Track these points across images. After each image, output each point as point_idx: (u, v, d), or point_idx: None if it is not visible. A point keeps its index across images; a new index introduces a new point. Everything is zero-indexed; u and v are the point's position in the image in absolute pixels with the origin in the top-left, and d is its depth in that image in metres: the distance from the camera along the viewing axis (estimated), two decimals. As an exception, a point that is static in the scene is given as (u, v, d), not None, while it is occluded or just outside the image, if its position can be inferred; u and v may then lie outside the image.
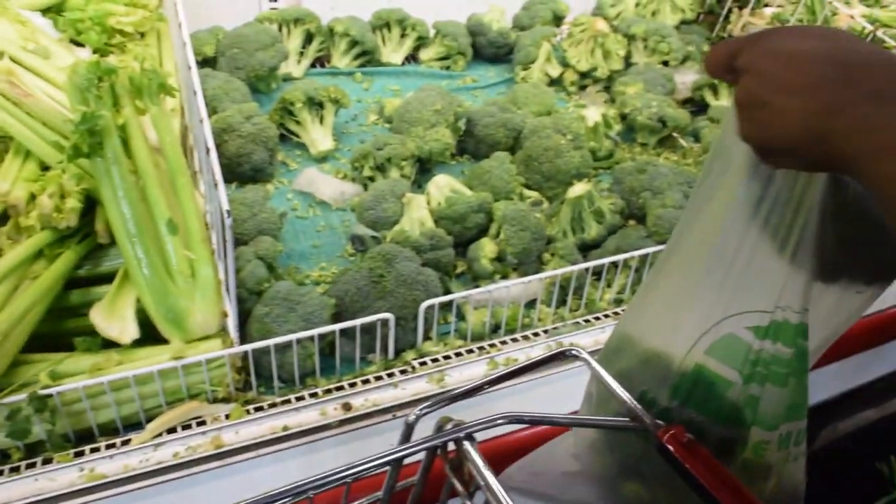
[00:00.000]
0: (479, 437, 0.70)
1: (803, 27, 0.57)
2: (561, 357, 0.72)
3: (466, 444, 0.64)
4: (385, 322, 1.12)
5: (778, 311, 0.65)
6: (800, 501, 0.77)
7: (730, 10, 2.11)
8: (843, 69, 0.49)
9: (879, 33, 1.82)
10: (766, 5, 2.06)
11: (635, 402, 0.67)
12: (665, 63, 1.98)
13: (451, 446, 0.66)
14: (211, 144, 1.04)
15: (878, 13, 2.00)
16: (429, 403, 0.68)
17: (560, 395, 1.06)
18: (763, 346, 0.67)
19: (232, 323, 1.09)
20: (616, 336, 0.79)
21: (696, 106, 1.95)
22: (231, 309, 1.09)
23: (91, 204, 1.19)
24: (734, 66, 0.56)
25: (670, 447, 0.63)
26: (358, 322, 1.10)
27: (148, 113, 1.23)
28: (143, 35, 1.56)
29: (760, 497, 0.73)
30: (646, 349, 0.73)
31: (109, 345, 1.10)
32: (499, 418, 0.62)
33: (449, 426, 0.65)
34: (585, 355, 0.72)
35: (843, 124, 0.48)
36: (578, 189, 1.45)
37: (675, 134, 1.80)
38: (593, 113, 1.72)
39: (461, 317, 1.28)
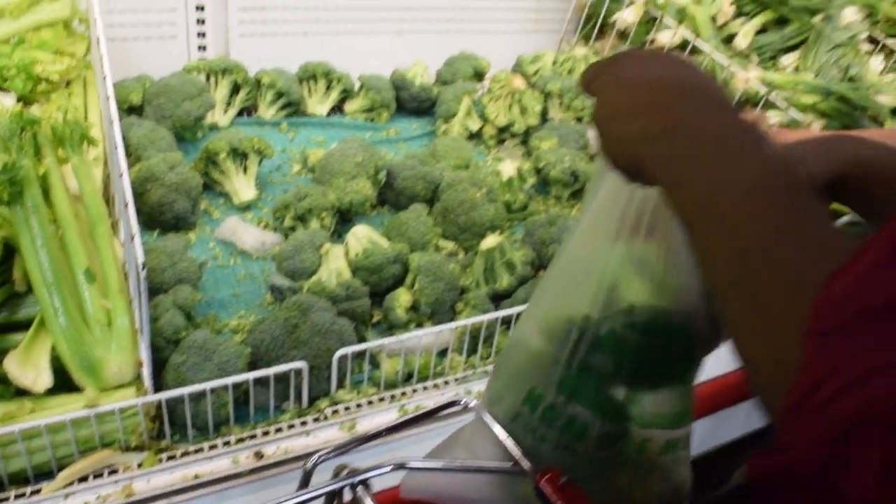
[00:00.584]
0: (382, 484, 0.75)
1: (652, 53, 0.61)
2: (452, 406, 0.78)
3: (360, 491, 0.69)
4: (298, 371, 1.17)
5: None
6: (685, 500, 0.83)
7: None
8: (664, 98, 0.52)
9: (772, 96, 1.97)
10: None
11: (516, 448, 0.73)
12: (579, 119, 2.10)
13: (349, 494, 0.71)
14: (129, 198, 1.07)
15: (773, 76, 2.16)
16: (328, 450, 0.73)
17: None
18: (629, 340, 0.73)
19: (147, 372, 1.12)
20: (509, 341, 0.84)
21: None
22: (146, 358, 1.12)
23: (9, 252, 1.21)
24: (591, 89, 0.60)
25: (546, 490, 0.70)
26: (272, 371, 1.14)
27: (69, 162, 1.27)
28: (69, 83, 1.58)
29: (644, 491, 0.80)
30: (534, 348, 0.78)
31: (23, 393, 1.11)
32: (388, 465, 0.68)
33: (344, 473, 0.70)
34: (473, 403, 0.78)
35: (651, 152, 0.52)
36: (491, 241, 1.53)
37: (586, 187, 1.90)
38: (509, 167, 1.81)
39: (375, 365, 1.33)
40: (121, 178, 1.10)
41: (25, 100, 1.51)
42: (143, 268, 0.96)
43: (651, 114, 0.52)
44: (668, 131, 0.51)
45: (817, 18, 2.42)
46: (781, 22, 2.44)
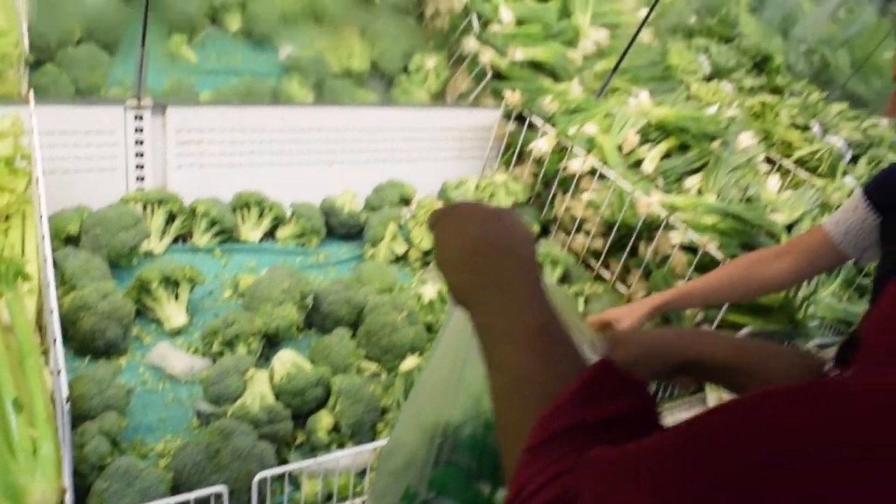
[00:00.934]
0: None
1: (477, 210, 0.72)
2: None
3: None
4: (219, 496, 1.22)
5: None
6: None
7: (554, 195, 2.42)
8: (478, 259, 0.67)
9: (673, 218, 2.14)
10: (584, 191, 2.39)
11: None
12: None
13: None
14: (58, 335, 1.15)
15: (675, 199, 2.35)
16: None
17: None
18: (488, 441, 0.83)
19: (69, 499, 1.17)
20: (389, 443, 0.93)
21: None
22: (69, 485, 1.17)
23: (-62, 385, 1.26)
24: (433, 234, 0.74)
25: None
26: (192, 496, 1.20)
27: (3, 297, 1.34)
28: (8, 217, 1.67)
29: None
30: (409, 449, 0.86)
31: (-56, 525, 1.14)
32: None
33: None
34: None
35: (468, 299, 0.67)
36: (410, 363, 1.63)
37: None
38: (430, 290, 1.92)
39: (297, 486, 1.39)
40: (51, 314, 1.18)
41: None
42: (67, 401, 1.03)
43: (469, 272, 0.67)
44: (477, 289, 0.66)
45: (716, 144, 2.65)
46: (684, 147, 2.67)
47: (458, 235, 0.69)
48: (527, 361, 0.58)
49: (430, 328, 1.86)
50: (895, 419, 0.35)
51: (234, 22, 2.61)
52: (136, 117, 2.01)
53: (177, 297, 1.77)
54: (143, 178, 2.09)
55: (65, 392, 1.04)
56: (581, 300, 2.06)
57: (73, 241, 1.88)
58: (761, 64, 3.54)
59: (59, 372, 1.07)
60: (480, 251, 0.67)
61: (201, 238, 2.04)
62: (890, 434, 0.35)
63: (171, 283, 1.76)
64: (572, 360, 0.58)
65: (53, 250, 1.81)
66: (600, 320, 1.66)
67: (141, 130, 2.03)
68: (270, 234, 2.16)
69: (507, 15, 2.71)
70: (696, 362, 0.85)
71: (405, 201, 2.33)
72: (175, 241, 2.04)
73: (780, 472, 0.36)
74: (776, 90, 3.39)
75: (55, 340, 1.14)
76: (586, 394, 0.52)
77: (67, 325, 1.60)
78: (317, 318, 1.84)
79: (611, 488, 0.42)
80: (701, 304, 1.80)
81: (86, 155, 1.99)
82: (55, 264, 1.76)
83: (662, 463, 0.41)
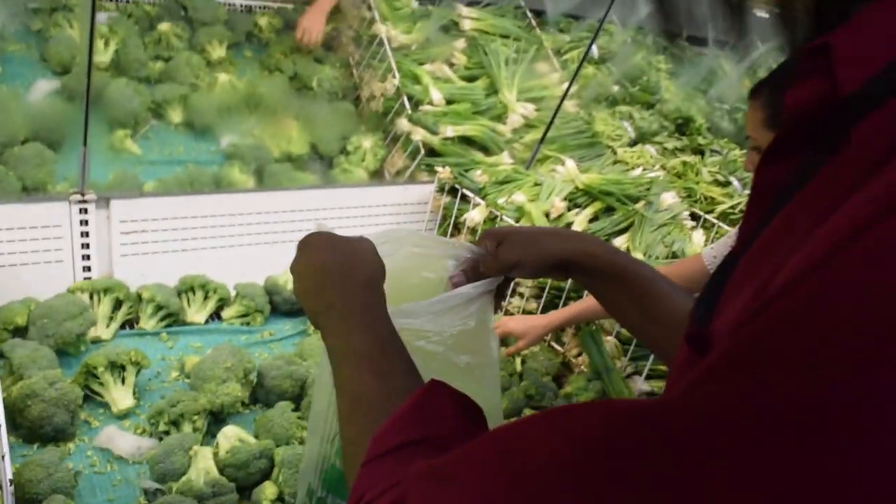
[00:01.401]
0: None
1: (326, 237, 0.79)
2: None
3: None
4: (162, 567, 1.29)
5: None
6: None
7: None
8: (323, 283, 0.74)
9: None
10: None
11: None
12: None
13: None
14: (2, 419, 1.22)
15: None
16: None
17: None
18: None
19: (17, 582, 1.22)
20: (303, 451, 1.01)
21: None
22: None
23: None
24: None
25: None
26: (136, 569, 1.26)
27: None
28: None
29: None
30: (309, 454, 0.94)
31: None
32: None
33: None
34: None
35: (317, 323, 0.74)
36: (350, 429, 1.71)
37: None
38: (371, 359, 2.01)
39: (241, 555, 1.45)
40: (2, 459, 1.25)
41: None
42: (11, 484, 1.10)
43: (317, 297, 0.75)
44: (323, 312, 0.74)
45: (640, 204, 2.82)
46: (610, 210, 2.82)
47: (310, 263, 0.76)
48: (364, 382, 0.66)
49: (370, 396, 1.94)
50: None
51: (176, 115, 2.74)
52: (80, 210, 2.10)
53: (123, 381, 1.84)
54: (89, 268, 2.17)
55: (9, 475, 1.11)
56: (518, 361, 2.17)
57: (20, 332, 1.94)
58: (683, 126, 3.76)
59: (2, 456, 1.14)
60: (328, 277, 0.74)
61: (148, 322, 2.12)
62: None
63: (117, 368, 1.83)
64: (408, 378, 0.66)
65: (1, 341, 1.88)
66: (501, 332, 2.01)
67: (86, 223, 2.12)
68: (216, 315, 2.25)
69: (436, 95, 2.89)
70: (573, 260, 0.91)
71: (346, 276, 2.43)
72: (122, 326, 2.11)
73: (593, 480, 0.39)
74: (697, 150, 3.60)
75: (1, 425, 1.21)
76: (415, 414, 0.59)
77: (15, 413, 1.65)
78: (261, 394, 1.91)
79: (432, 492, 0.48)
80: (600, 317, 2.06)
81: (32, 248, 2.07)
82: (2, 355, 1.83)
83: (486, 462, 0.45)
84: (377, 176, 2.89)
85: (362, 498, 0.54)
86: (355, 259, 0.77)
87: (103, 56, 2.71)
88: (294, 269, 0.78)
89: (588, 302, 2.00)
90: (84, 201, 2.11)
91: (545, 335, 2.12)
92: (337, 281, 0.74)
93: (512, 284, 2.44)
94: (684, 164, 3.22)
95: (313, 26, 3.01)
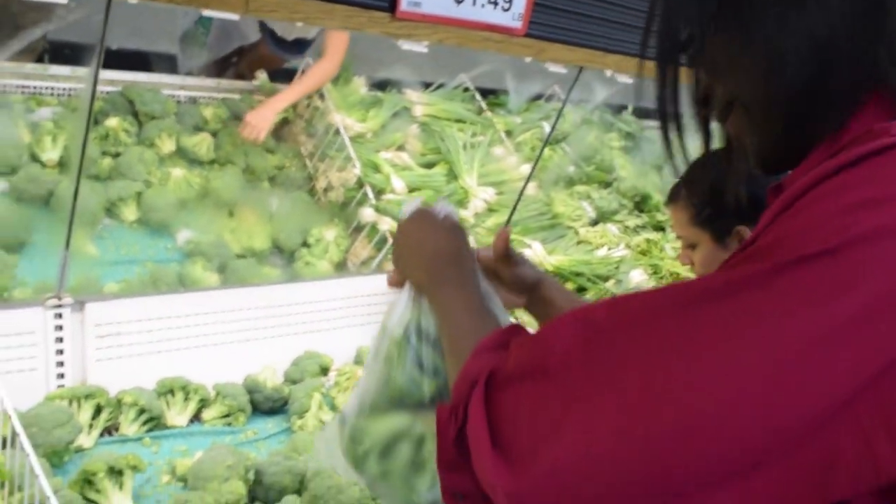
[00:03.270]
0: None
1: (430, 222, 1.19)
2: None
3: None
4: None
5: None
6: None
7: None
8: (432, 264, 1.13)
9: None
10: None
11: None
12: (421, 400, 2.65)
13: None
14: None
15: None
16: None
17: None
18: None
19: None
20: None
21: (452, 434, 2.60)
22: None
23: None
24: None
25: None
26: None
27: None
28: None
29: None
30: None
31: None
32: None
33: None
34: None
35: (426, 290, 1.12)
36: (361, 518, 1.98)
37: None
38: (365, 451, 2.29)
39: None
40: None
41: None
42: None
43: (430, 273, 1.13)
44: (438, 285, 1.11)
45: (610, 283, 3.21)
46: (581, 290, 3.21)
47: (421, 246, 1.16)
48: (473, 323, 1.03)
49: (371, 487, 2.21)
50: None
51: (130, 212, 3.01)
52: (56, 315, 2.35)
53: (121, 487, 2.07)
54: (62, 375, 2.39)
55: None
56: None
57: (2, 443, 2.14)
58: (641, 203, 4.23)
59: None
60: (436, 258, 1.14)
61: (129, 428, 2.34)
62: None
63: (115, 473, 2.06)
64: (497, 323, 1.05)
65: (-10, 455, 2.08)
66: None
67: (61, 328, 2.36)
68: (197, 417, 2.49)
69: (398, 184, 3.26)
70: (545, 281, 1.36)
71: (324, 370, 2.72)
72: (101, 434, 2.34)
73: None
74: (658, 227, 4.06)
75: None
76: (507, 331, 0.95)
77: (21, 524, 1.86)
78: (259, 492, 2.16)
79: (525, 346, 0.85)
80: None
81: (6, 357, 2.29)
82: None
83: (567, 324, 0.82)
84: (340, 268, 3.21)
85: (472, 364, 0.89)
86: (457, 243, 1.16)
87: (50, 153, 2.98)
88: (403, 246, 1.19)
89: None
90: (60, 305, 2.35)
91: None
92: (447, 262, 1.13)
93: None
94: (648, 241, 3.66)
95: (261, 123, 3.34)
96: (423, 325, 1.20)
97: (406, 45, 2.08)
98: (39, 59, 3.37)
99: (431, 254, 1.14)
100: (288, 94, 3.42)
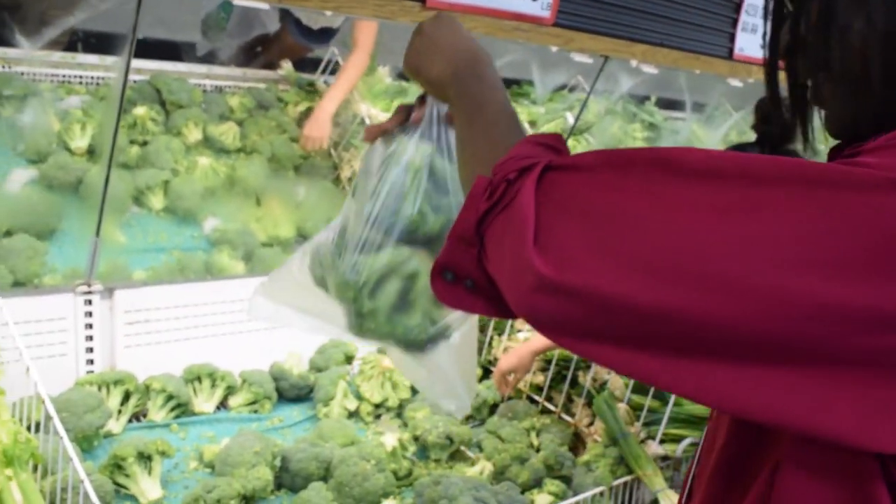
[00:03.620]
0: None
1: (447, 23, 1.13)
2: None
3: None
4: None
5: None
6: None
7: (491, 338, 2.88)
8: (456, 58, 1.06)
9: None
10: (519, 331, 2.85)
11: None
12: (445, 389, 2.66)
13: None
14: None
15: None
16: None
17: None
18: None
19: None
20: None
21: (476, 421, 2.61)
22: None
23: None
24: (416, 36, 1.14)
25: None
26: None
27: (16, 480, 1.65)
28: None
29: None
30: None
31: None
32: None
33: None
34: None
35: (448, 86, 1.06)
36: (386, 506, 1.99)
37: (461, 447, 2.42)
38: (390, 438, 2.30)
39: None
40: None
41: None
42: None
43: (454, 66, 1.06)
44: (462, 79, 1.04)
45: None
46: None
47: (447, 43, 1.09)
48: (511, 118, 0.99)
49: (396, 474, 2.22)
50: None
51: (157, 201, 3.03)
52: (86, 302, 2.37)
53: (150, 472, 2.09)
54: (92, 361, 2.42)
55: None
56: (533, 434, 2.48)
57: (35, 427, 2.17)
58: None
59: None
60: (458, 54, 1.08)
61: (157, 414, 2.37)
62: None
63: (144, 458, 2.08)
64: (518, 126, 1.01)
65: (21, 439, 2.11)
66: (501, 372, 2.51)
67: (90, 314, 2.38)
68: (223, 404, 2.51)
69: (423, 172, 3.25)
70: None
71: (349, 359, 2.73)
72: (130, 420, 2.36)
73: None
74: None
75: None
76: (555, 136, 0.92)
77: (52, 507, 1.89)
78: (286, 478, 2.18)
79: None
80: None
81: (37, 343, 2.32)
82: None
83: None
84: (364, 256, 3.21)
85: (522, 155, 0.85)
86: (472, 43, 1.11)
87: (79, 141, 3.00)
88: (423, 45, 1.12)
89: None
90: (89, 292, 2.38)
91: (534, 359, 2.56)
92: (466, 57, 1.07)
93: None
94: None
95: (320, 132, 3.37)
96: (437, 161, 1.21)
97: (433, 35, 2.09)
98: (68, 49, 3.38)
99: (459, 50, 1.08)
100: (335, 96, 3.42)
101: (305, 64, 3.78)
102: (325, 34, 3.65)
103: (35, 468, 1.85)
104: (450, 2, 1.79)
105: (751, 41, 2.77)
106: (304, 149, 3.40)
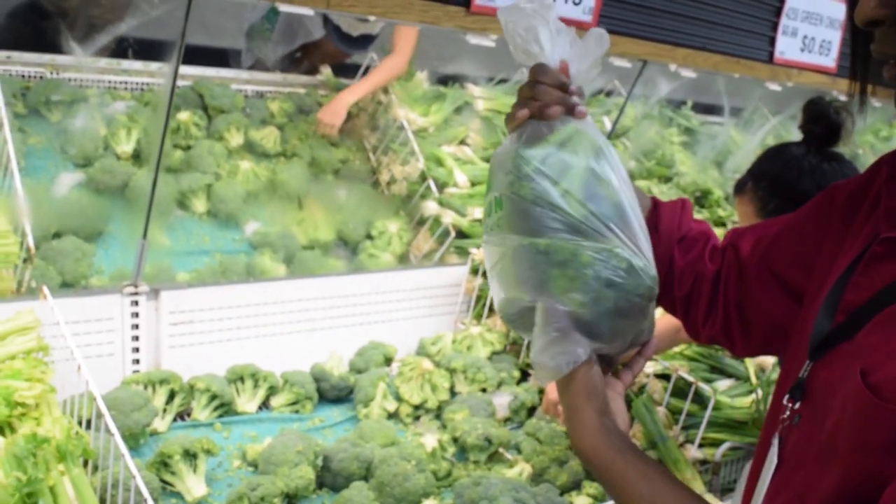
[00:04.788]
0: None
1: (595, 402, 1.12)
2: None
3: None
4: None
5: None
6: None
7: (529, 342, 2.88)
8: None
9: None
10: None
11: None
12: (483, 390, 2.67)
13: None
14: None
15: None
16: None
17: None
18: None
19: None
20: None
21: (515, 423, 2.62)
22: None
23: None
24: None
25: None
26: None
27: (69, 475, 1.69)
28: (37, 405, 2.02)
29: None
30: None
31: None
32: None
33: None
34: None
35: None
36: (427, 506, 2.01)
37: (500, 449, 2.43)
38: (430, 440, 2.32)
39: None
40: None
41: (3, 424, 1.93)
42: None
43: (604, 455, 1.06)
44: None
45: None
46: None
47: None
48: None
49: (436, 475, 2.24)
50: None
51: (200, 204, 3.08)
52: (132, 303, 2.41)
53: (195, 470, 2.12)
54: (138, 361, 2.46)
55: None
56: (571, 437, 2.48)
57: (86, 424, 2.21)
58: (701, 199, 4.19)
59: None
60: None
61: (201, 413, 2.40)
62: None
63: (189, 456, 2.11)
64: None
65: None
66: (550, 403, 2.48)
67: (137, 315, 2.43)
68: (265, 404, 2.54)
69: (461, 178, 3.28)
70: None
71: (388, 361, 2.75)
72: (174, 418, 2.40)
73: None
74: (719, 222, 4.02)
75: None
76: None
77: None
78: (327, 477, 2.20)
79: None
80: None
81: (86, 342, 2.36)
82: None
83: None
84: (403, 260, 3.24)
85: None
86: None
87: (125, 146, 3.06)
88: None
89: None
90: (136, 293, 2.42)
91: None
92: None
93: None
94: (709, 237, 3.62)
95: (333, 119, 3.40)
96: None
97: (474, 40, 2.10)
98: (115, 55, 3.45)
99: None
100: (357, 89, 3.46)
101: (345, 69, 3.82)
102: (365, 40, 3.69)
103: (85, 464, 1.89)
104: (495, 6, 1.80)
105: (791, 45, 2.75)
106: (317, 131, 3.44)
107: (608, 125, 3.96)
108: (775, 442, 0.99)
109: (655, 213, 1.36)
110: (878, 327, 0.89)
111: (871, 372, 0.85)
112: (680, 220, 1.35)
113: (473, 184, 3.34)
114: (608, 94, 4.44)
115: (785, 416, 0.99)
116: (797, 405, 0.97)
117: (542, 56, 1.16)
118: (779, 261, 1.23)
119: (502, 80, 4.03)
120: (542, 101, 1.12)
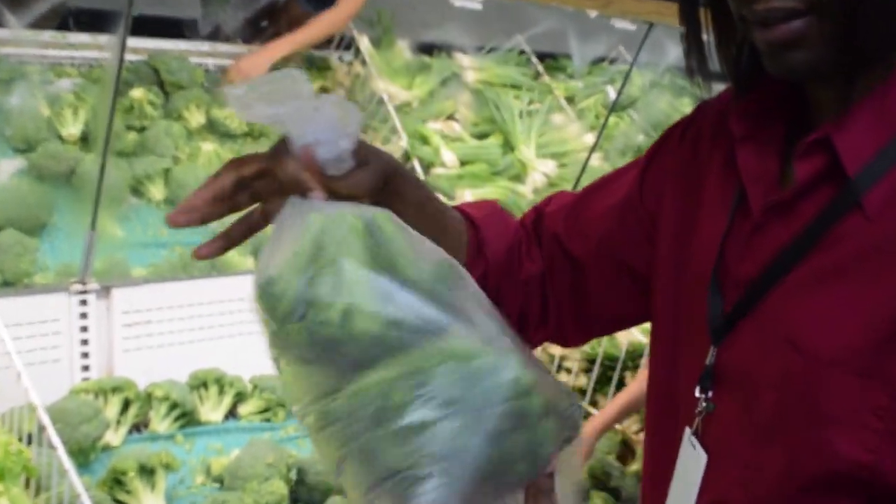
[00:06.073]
0: None
1: None
2: None
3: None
4: None
5: None
6: None
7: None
8: None
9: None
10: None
11: None
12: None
13: None
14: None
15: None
16: None
17: None
18: None
19: None
20: None
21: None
22: None
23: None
24: None
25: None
26: None
27: (6, 496, 1.66)
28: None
29: None
30: None
31: None
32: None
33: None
34: None
35: None
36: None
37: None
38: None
39: None
40: None
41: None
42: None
43: None
44: None
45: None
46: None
47: None
48: None
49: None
50: None
51: (157, 191, 3.04)
52: (80, 302, 2.38)
53: (153, 487, 2.09)
54: (87, 367, 2.43)
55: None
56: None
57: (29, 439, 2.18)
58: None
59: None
60: None
61: (160, 424, 2.37)
62: None
63: (146, 472, 2.08)
64: None
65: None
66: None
67: (86, 316, 2.39)
68: (232, 412, 2.51)
69: (449, 157, 3.25)
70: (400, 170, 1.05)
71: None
72: (130, 430, 2.37)
73: None
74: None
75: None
76: None
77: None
78: (302, 492, 2.17)
79: None
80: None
81: (28, 347, 2.33)
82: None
83: None
84: (386, 249, 3.21)
85: None
86: None
87: (71, 128, 3.02)
88: None
89: (637, 385, 2.34)
90: (84, 291, 2.39)
91: (599, 438, 2.40)
92: None
93: (557, 361, 2.75)
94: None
95: (252, 71, 3.29)
96: None
97: (459, 2, 2.07)
98: (59, 27, 3.40)
99: None
100: (287, 42, 3.36)
101: (317, 39, 3.77)
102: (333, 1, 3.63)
103: (27, 483, 1.86)
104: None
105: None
106: (227, 79, 3.34)
107: (612, 95, 3.93)
108: (692, 438, 0.97)
109: (476, 234, 1.14)
110: (789, 296, 0.89)
111: (801, 340, 0.87)
112: (503, 234, 1.17)
113: (463, 163, 3.30)
114: (612, 61, 4.40)
115: (700, 408, 0.97)
116: (710, 394, 0.97)
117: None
118: (621, 247, 1.13)
119: (493, 49, 3.99)
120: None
